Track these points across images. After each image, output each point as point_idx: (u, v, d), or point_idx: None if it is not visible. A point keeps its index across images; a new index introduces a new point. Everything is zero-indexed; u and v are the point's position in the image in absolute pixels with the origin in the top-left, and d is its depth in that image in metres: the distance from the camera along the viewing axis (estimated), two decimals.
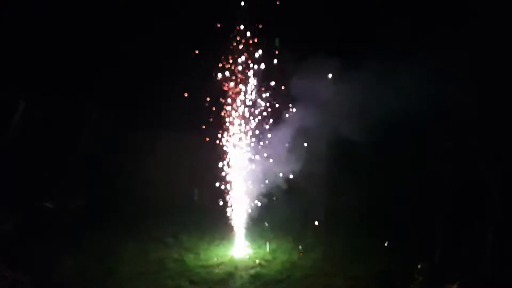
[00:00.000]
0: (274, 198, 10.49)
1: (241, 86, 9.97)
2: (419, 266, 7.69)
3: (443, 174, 8.90)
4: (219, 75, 9.84)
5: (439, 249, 8.17)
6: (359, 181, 11.06)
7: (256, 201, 10.32)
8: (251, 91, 10.04)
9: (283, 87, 10.22)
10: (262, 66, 9.87)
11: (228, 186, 10.23)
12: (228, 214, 10.33)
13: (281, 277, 8.67)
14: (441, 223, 8.47)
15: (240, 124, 10.09)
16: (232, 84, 9.98)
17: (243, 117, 10.07)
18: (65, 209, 11.45)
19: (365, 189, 10.97)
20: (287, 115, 10.28)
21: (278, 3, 10.04)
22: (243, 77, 9.96)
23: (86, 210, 11.64)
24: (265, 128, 10.19)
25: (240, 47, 9.79)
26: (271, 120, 10.20)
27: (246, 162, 10.20)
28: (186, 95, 11.17)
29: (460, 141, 9.64)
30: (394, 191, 10.50)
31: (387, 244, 9.47)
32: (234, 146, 10.14)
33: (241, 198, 10.27)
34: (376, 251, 9.35)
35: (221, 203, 10.35)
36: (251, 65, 9.87)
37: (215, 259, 9.47)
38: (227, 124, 10.10)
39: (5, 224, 10.00)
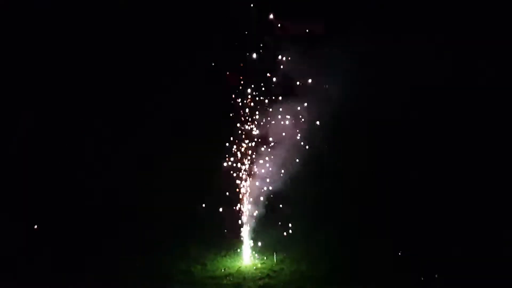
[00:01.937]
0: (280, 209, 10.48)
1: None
2: (436, 276, 7.63)
3: None
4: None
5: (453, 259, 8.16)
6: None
7: (262, 212, 10.30)
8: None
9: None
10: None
11: (235, 196, 10.20)
12: (234, 225, 10.27)
13: None
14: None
15: (249, 134, 10.14)
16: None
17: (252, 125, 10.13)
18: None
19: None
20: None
21: None
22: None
23: (89, 219, 11.42)
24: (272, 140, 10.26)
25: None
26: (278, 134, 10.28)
27: (252, 174, 10.19)
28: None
29: None
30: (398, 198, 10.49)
31: (400, 253, 9.39)
32: (242, 158, 10.17)
33: (247, 208, 10.23)
34: (387, 260, 9.24)
35: (227, 213, 10.30)
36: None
37: (223, 270, 9.39)
38: (235, 132, 10.15)
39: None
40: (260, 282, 8.89)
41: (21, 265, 9.08)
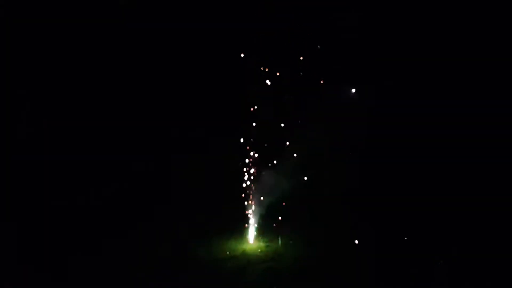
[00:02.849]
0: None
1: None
2: (440, 262, 7.61)
3: None
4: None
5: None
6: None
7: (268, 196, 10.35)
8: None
9: None
10: None
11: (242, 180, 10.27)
12: (239, 208, 10.33)
13: (294, 271, 8.63)
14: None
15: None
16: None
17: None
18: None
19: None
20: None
21: None
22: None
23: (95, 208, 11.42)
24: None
25: None
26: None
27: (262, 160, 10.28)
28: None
29: None
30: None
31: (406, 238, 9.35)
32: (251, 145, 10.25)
33: (253, 192, 10.28)
34: (391, 248, 9.20)
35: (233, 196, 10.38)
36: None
37: (227, 252, 9.45)
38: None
39: None
40: (264, 265, 8.94)
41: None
